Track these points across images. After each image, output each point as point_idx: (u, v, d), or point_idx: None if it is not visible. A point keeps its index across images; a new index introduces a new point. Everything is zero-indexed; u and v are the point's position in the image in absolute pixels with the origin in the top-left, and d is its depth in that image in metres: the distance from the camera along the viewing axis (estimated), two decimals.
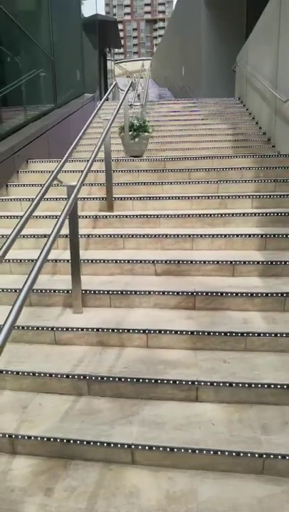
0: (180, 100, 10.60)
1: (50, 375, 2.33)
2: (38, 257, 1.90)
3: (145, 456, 1.94)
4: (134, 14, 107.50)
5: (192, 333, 2.50)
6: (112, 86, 6.26)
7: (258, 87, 7.27)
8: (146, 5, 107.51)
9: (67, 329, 2.62)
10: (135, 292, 2.80)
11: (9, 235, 2.24)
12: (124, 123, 5.38)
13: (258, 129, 7.08)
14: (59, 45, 7.33)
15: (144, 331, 2.53)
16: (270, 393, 2.16)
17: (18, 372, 2.36)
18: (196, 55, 12.82)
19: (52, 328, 2.63)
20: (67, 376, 2.31)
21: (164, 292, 2.79)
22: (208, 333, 2.48)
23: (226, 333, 2.47)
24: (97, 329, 2.58)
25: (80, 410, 2.20)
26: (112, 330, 2.55)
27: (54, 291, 2.92)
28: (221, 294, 2.76)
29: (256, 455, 1.86)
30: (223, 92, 10.69)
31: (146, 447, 1.92)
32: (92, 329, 2.58)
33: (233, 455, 1.87)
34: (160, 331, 2.51)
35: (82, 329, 2.59)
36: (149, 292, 2.80)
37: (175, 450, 1.90)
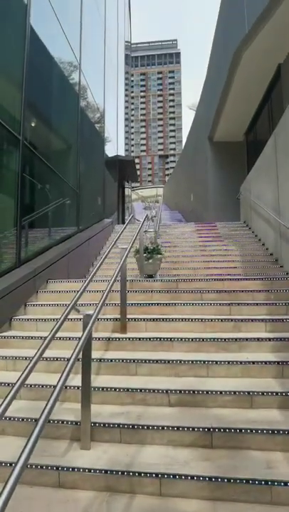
0: (190, 223, 11.54)
1: None
2: (50, 397, 1.86)
3: None
4: (149, 151, 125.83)
5: (210, 479, 2.24)
6: (130, 218, 6.97)
7: (262, 213, 7.94)
8: (159, 144, 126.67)
9: (73, 469, 2.40)
10: (147, 427, 2.63)
11: (28, 364, 2.25)
12: (139, 247, 5.78)
13: (264, 250, 7.47)
14: (84, 180, 8.44)
15: (156, 475, 2.29)
16: None
17: None
18: (203, 185, 14.42)
19: (57, 468, 2.42)
20: None
21: (178, 428, 2.60)
22: (228, 480, 2.23)
23: (247, 481, 2.21)
24: (106, 471, 2.35)
25: None
26: (122, 473, 2.32)
27: (62, 422, 2.77)
28: (240, 430, 2.56)
29: None
30: (228, 216, 11.69)
31: None
32: (100, 471, 2.35)
33: None
34: (174, 476, 2.27)
35: (89, 470, 2.37)
36: (163, 427, 2.61)
37: None
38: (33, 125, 5.81)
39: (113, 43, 14.23)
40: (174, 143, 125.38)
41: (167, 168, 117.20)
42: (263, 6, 6.83)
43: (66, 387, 3.12)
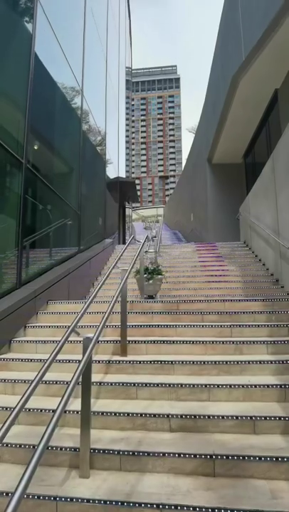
0: (190, 243, 11.57)
1: None
2: (49, 423, 1.82)
3: None
4: (150, 172, 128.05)
5: (213, 510, 2.16)
6: (130, 239, 7.01)
7: (262, 234, 7.98)
8: (159, 165, 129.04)
9: (71, 499, 2.32)
10: (148, 454, 2.55)
11: (27, 388, 2.22)
12: (139, 268, 5.78)
13: (265, 270, 7.45)
14: (85, 201, 8.54)
15: (157, 505, 2.21)
16: None
17: None
18: (203, 205, 14.55)
19: (55, 498, 2.34)
20: None
21: (179, 454, 2.53)
22: (232, 511, 2.15)
23: None
24: (105, 501, 2.27)
25: None
26: (122, 503, 2.24)
27: (61, 448, 2.70)
28: (243, 457, 2.49)
29: None
30: (228, 236, 11.76)
31: None
32: (100, 501, 2.27)
33: None
34: (176, 507, 2.19)
35: (88, 501, 2.29)
36: (164, 454, 2.54)
37: None
38: (36, 148, 5.93)
39: (114, 69, 14.68)
40: (174, 164, 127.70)
41: (167, 189, 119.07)
42: (259, 32, 7.08)
43: (65, 412, 3.06)
